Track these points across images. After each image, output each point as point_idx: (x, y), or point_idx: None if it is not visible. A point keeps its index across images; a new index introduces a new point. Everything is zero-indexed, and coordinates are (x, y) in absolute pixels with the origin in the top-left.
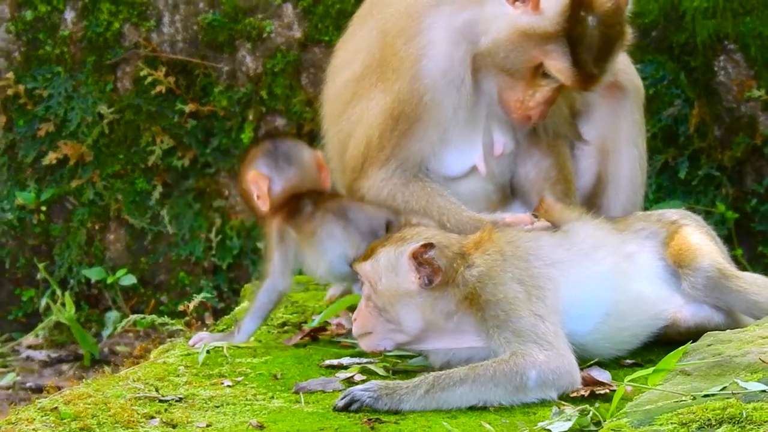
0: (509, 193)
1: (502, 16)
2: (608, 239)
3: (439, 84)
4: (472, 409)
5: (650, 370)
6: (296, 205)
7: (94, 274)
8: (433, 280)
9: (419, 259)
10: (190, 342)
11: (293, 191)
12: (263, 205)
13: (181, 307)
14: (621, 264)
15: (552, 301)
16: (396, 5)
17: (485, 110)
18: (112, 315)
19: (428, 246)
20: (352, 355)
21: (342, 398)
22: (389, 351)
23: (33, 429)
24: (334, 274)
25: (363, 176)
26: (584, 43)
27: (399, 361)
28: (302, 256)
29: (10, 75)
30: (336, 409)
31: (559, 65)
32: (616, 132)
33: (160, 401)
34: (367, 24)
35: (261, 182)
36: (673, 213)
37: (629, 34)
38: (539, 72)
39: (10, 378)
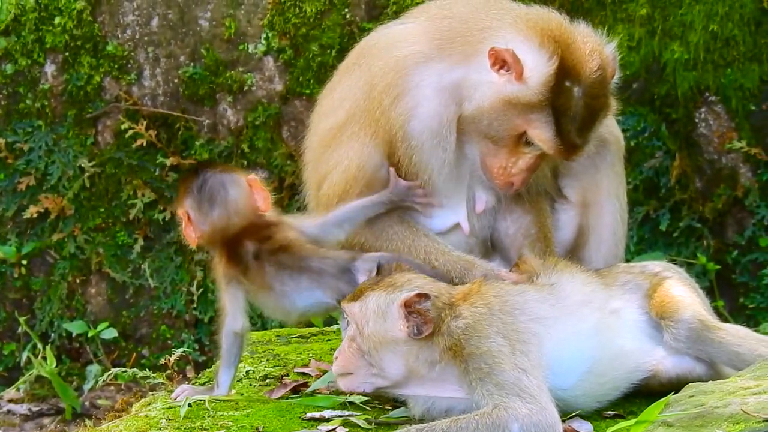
0: (490, 246)
1: (487, 84)
2: (595, 295)
3: (426, 145)
4: None
5: (632, 421)
6: (237, 249)
7: (75, 327)
8: (423, 331)
9: (411, 308)
10: (173, 395)
11: (223, 232)
12: (190, 242)
13: (162, 361)
14: (606, 320)
15: (536, 356)
16: (385, 58)
17: (469, 169)
18: (94, 368)
19: (423, 296)
20: (334, 408)
21: None
22: (367, 393)
23: None
24: (298, 314)
25: None
26: (568, 114)
27: (381, 413)
28: (257, 302)
29: None
30: None
31: (542, 135)
32: (597, 184)
33: None
34: (354, 74)
35: (186, 221)
36: (655, 265)
37: (614, 104)
38: (522, 140)
39: None
